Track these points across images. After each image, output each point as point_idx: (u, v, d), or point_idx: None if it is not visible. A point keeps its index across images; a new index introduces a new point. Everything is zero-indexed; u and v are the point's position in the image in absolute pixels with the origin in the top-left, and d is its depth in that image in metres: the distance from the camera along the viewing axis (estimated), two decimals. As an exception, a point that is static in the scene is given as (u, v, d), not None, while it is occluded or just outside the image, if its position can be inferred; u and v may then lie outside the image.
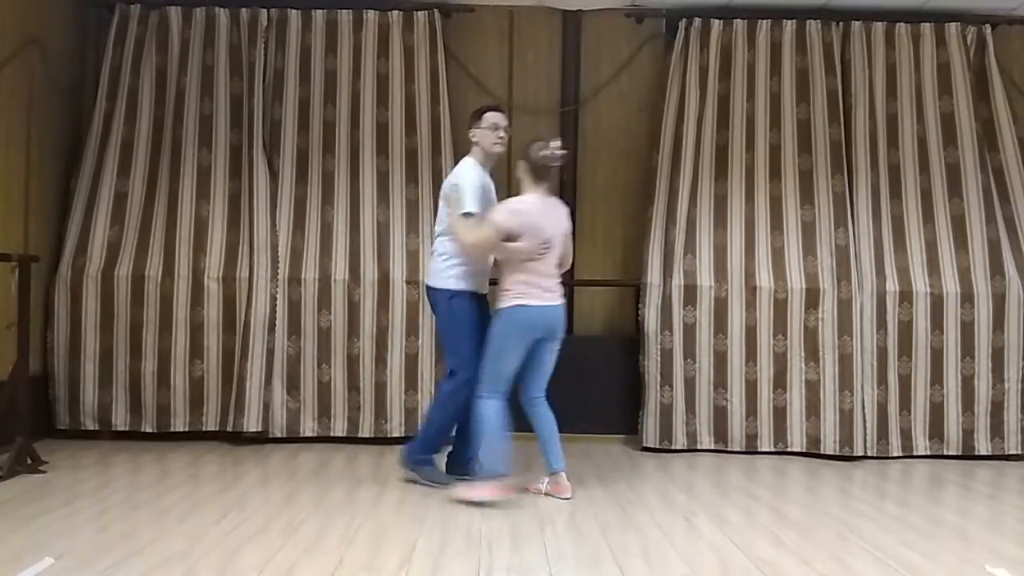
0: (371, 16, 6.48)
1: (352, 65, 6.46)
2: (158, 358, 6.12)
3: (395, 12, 6.46)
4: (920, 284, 6.21)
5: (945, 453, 6.17)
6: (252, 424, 6.01)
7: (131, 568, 3.30)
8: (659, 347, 6.22)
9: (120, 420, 6.11)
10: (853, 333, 6.11)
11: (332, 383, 6.17)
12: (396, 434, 6.14)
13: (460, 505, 4.45)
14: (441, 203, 4.89)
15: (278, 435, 6.10)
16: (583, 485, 4.98)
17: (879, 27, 6.46)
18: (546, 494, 4.64)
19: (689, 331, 6.24)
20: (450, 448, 4.99)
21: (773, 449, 6.17)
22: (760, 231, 6.33)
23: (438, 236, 4.88)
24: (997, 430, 6.16)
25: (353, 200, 6.35)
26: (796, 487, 5.34)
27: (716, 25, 6.48)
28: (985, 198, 6.31)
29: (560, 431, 6.36)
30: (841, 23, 6.48)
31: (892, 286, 6.21)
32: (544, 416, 4.73)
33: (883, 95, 6.45)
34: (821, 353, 6.14)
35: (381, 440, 6.14)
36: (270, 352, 6.11)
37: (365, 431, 6.16)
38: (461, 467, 4.85)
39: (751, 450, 6.16)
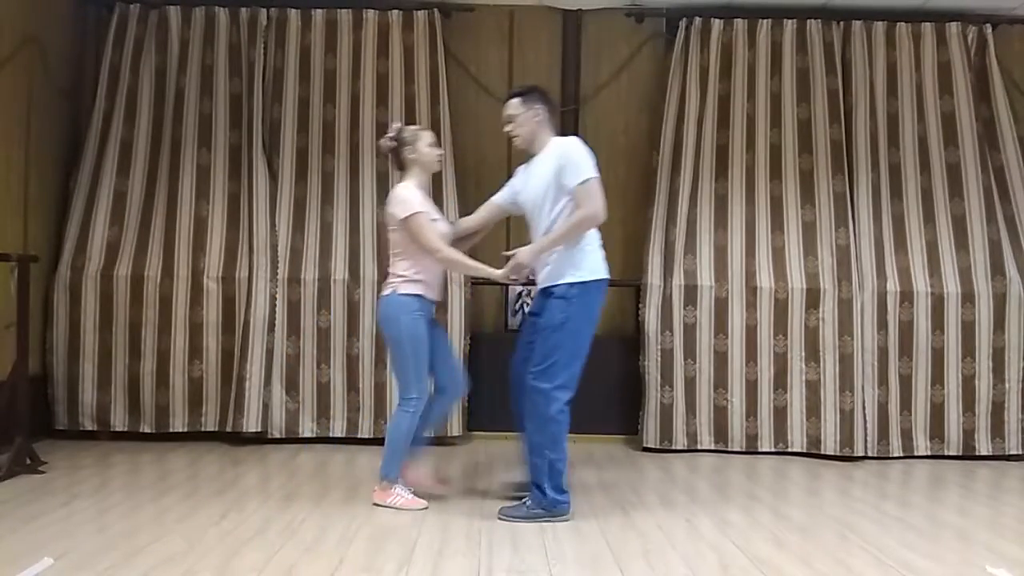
0: (371, 15, 6.47)
1: (352, 65, 6.45)
2: (157, 358, 6.12)
3: (395, 11, 6.46)
4: (921, 284, 6.20)
5: (946, 453, 6.16)
6: (251, 424, 6.00)
7: (131, 568, 3.30)
8: (659, 347, 6.21)
9: (119, 420, 6.10)
10: (854, 333, 6.10)
11: (331, 383, 6.17)
12: (396, 434, 6.14)
13: (461, 506, 4.44)
14: (547, 191, 4.27)
15: (277, 435, 6.09)
16: (584, 486, 4.97)
17: (880, 27, 6.46)
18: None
19: (689, 331, 6.23)
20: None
21: (773, 449, 6.16)
22: (761, 231, 6.32)
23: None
24: (998, 430, 6.16)
25: (353, 200, 6.35)
26: (796, 488, 5.33)
27: (716, 25, 6.47)
28: (986, 198, 6.31)
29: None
30: (842, 23, 6.47)
31: (893, 286, 6.20)
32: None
33: (884, 95, 6.44)
34: (822, 353, 6.13)
35: (380, 441, 6.07)
36: (269, 352, 6.10)
37: (364, 432, 6.15)
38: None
39: (751, 450, 6.16)
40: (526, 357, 4.34)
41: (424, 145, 4.54)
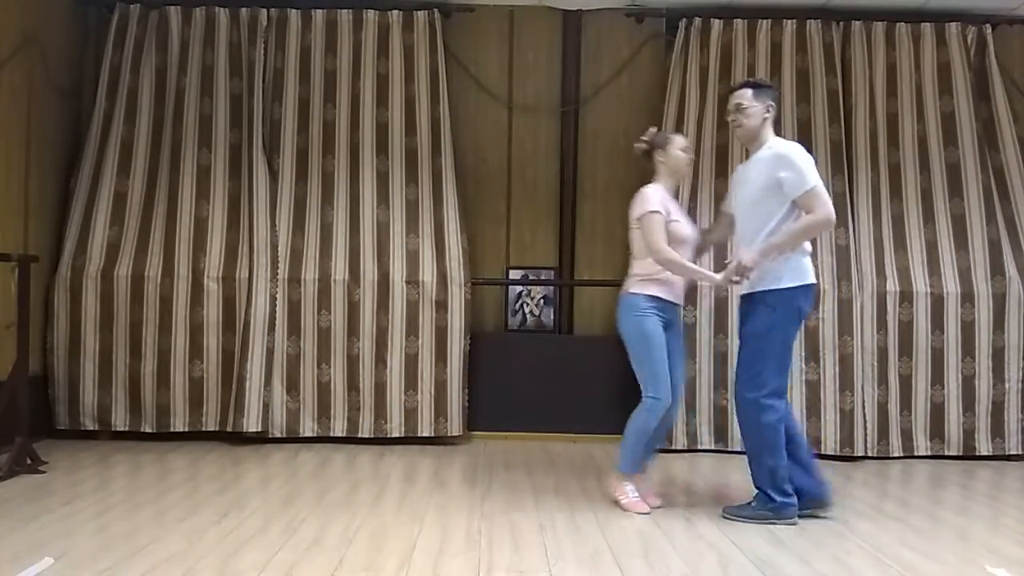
0: (371, 16, 6.47)
1: (352, 65, 6.46)
2: (158, 358, 6.12)
3: (395, 12, 6.46)
4: (920, 284, 6.21)
5: (946, 453, 6.16)
6: (252, 424, 6.01)
7: (131, 568, 3.30)
8: (659, 347, 6.21)
9: (120, 420, 6.10)
10: (853, 333, 6.10)
11: (332, 383, 6.17)
12: (396, 434, 6.14)
13: (461, 506, 4.45)
14: (764, 194, 4.21)
15: (278, 435, 6.09)
16: (583, 485, 4.97)
17: (879, 27, 6.46)
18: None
19: (689, 331, 6.22)
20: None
21: (773, 449, 6.15)
22: (760, 231, 6.32)
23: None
24: (998, 430, 6.16)
25: (353, 200, 6.35)
26: (796, 487, 5.32)
27: (716, 25, 6.47)
28: (985, 198, 6.31)
29: (560, 431, 6.41)
30: (841, 23, 6.47)
31: (892, 286, 6.20)
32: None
33: (883, 95, 6.44)
34: (821, 353, 6.13)
35: (381, 440, 6.14)
36: (270, 352, 6.11)
37: (365, 431, 6.15)
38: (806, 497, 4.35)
39: (751, 450, 6.15)
40: None
41: (675, 149, 4.51)
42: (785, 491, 4.19)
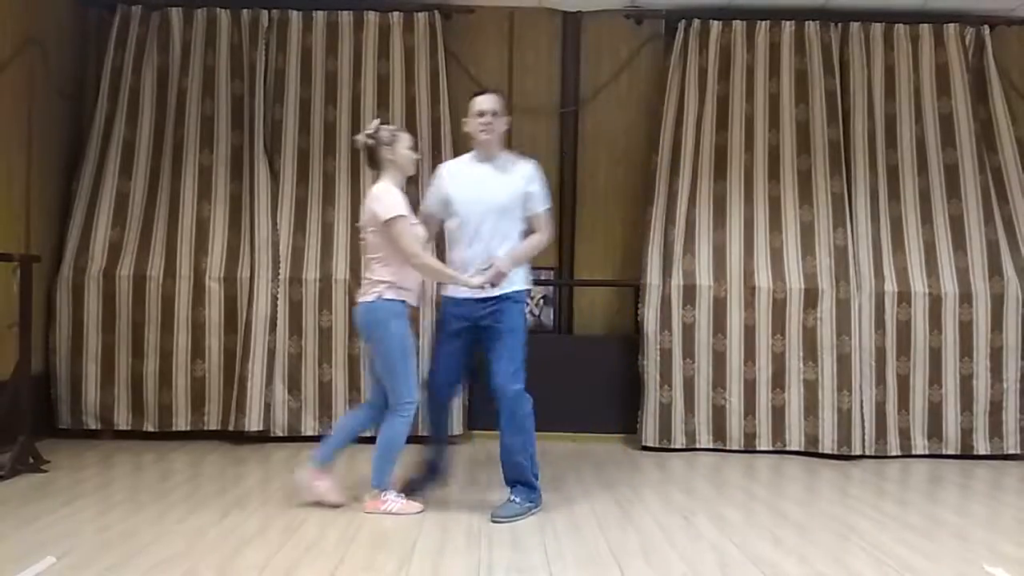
0: (371, 17, 6.49)
1: (353, 66, 6.48)
2: (160, 358, 6.14)
3: (395, 13, 6.48)
4: (918, 284, 6.23)
5: (944, 453, 6.18)
6: (253, 424, 6.03)
7: (132, 567, 3.32)
8: (658, 347, 6.24)
9: (122, 419, 6.12)
10: (851, 333, 6.13)
11: (333, 383, 6.19)
12: (396, 434, 6.16)
13: (461, 506, 4.46)
14: (513, 204, 4.40)
15: (279, 434, 6.11)
16: (582, 485, 4.99)
17: (878, 28, 6.48)
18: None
19: (688, 331, 6.25)
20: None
21: (772, 448, 6.18)
22: (759, 231, 6.34)
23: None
24: (996, 430, 6.17)
25: (354, 200, 6.35)
26: (795, 486, 5.35)
27: (715, 26, 6.49)
28: (983, 198, 6.33)
29: (560, 431, 6.42)
30: (840, 24, 6.49)
31: (890, 286, 6.22)
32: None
33: (882, 96, 6.46)
34: (820, 353, 6.15)
35: (382, 440, 6.15)
36: (271, 352, 6.13)
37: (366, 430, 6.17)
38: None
39: (750, 449, 6.18)
40: (455, 376, 4.67)
41: (403, 147, 4.45)
42: (536, 475, 4.42)
